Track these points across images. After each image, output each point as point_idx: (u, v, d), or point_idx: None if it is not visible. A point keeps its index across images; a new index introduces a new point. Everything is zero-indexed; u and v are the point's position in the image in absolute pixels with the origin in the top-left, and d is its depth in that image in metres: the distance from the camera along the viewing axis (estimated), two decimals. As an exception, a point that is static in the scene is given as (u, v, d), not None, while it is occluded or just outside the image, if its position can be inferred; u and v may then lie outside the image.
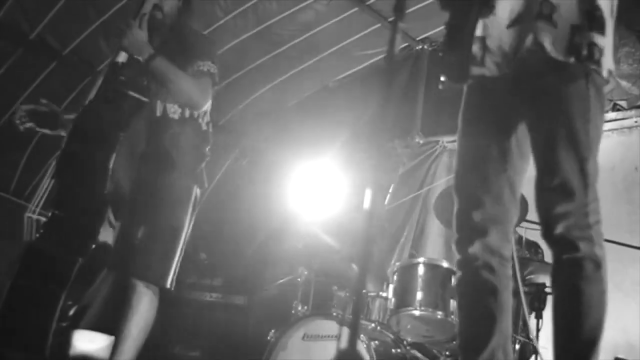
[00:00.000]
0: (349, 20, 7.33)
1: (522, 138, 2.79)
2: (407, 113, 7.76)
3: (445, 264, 4.88)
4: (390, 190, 6.60)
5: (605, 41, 2.63)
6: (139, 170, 3.85)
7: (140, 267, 3.79)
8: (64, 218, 3.39)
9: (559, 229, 2.61)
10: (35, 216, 3.57)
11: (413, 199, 7.50)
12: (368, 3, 7.14)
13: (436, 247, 7.10)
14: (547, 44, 2.58)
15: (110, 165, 3.48)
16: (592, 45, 2.59)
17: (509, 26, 2.67)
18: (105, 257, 3.63)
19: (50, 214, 3.46)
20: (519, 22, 2.65)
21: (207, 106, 4.08)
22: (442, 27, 7.77)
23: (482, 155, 2.79)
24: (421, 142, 7.72)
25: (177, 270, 3.91)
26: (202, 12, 6.34)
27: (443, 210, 5.32)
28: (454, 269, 4.81)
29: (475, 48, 2.73)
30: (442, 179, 7.39)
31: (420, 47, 7.99)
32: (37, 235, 3.39)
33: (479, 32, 2.72)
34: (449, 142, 7.57)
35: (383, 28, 7.30)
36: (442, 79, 2.85)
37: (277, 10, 7.05)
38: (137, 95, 3.63)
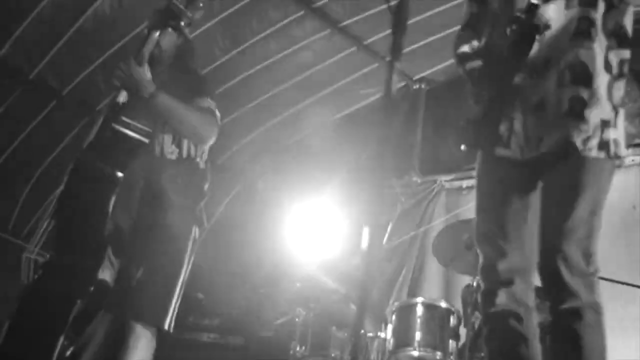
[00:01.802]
0: (347, 59, 7.39)
1: (534, 199, 2.82)
2: (404, 152, 7.78)
3: (443, 304, 4.86)
4: (388, 230, 6.60)
5: (619, 133, 2.68)
6: (138, 211, 3.84)
7: (138, 309, 3.75)
8: (63, 260, 3.38)
9: (561, 273, 2.62)
10: (33, 256, 3.56)
11: (411, 238, 7.48)
12: (366, 43, 7.20)
13: (434, 287, 7.06)
14: (580, 144, 2.60)
15: (110, 207, 3.47)
16: (617, 141, 2.63)
17: (536, 111, 2.67)
18: (104, 296, 3.61)
19: (49, 255, 3.45)
20: (545, 109, 2.65)
21: (205, 146, 4.08)
22: (439, 67, 7.78)
23: (503, 208, 2.81)
24: (419, 181, 7.73)
25: (176, 311, 3.88)
26: (201, 51, 6.39)
27: (441, 250, 5.32)
28: (453, 309, 4.83)
29: (503, 128, 2.73)
30: (441, 218, 7.38)
31: (418, 86, 8.04)
32: (36, 276, 3.38)
33: (508, 111, 2.72)
34: (447, 181, 7.58)
35: (381, 67, 7.35)
36: (462, 147, 2.85)
37: (275, 50, 7.11)
38: (136, 136, 3.63)
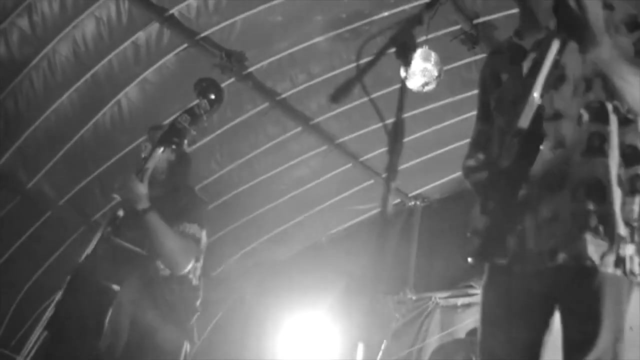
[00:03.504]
0: (342, 175, 7.46)
1: (549, 314, 2.78)
2: (399, 269, 7.76)
3: None
4: (383, 347, 6.52)
5: (636, 249, 2.67)
6: (130, 325, 3.80)
7: None
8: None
9: None
10: (24, 368, 3.50)
11: (405, 356, 7.38)
12: (362, 159, 7.29)
13: (429, 407, 6.92)
14: (597, 259, 2.58)
15: (107, 320, 3.44)
16: (632, 258, 2.63)
17: (548, 224, 2.68)
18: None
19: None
20: (559, 223, 2.66)
21: (198, 263, 4.08)
22: (434, 184, 7.83)
23: (512, 320, 2.76)
24: (414, 298, 7.68)
25: None
26: (198, 164, 6.45)
27: (436, 369, 5.24)
28: None
29: (513, 239, 2.73)
30: (435, 336, 7.31)
31: (413, 203, 8.10)
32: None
33: (516, 223, 2.71)
34: (442, 298, 7.53)
35: (376, 184, 7.42)
36: (469, 260, 2.83)
37: (272, 165, 7.18)
38: (134, 249, 3.63)
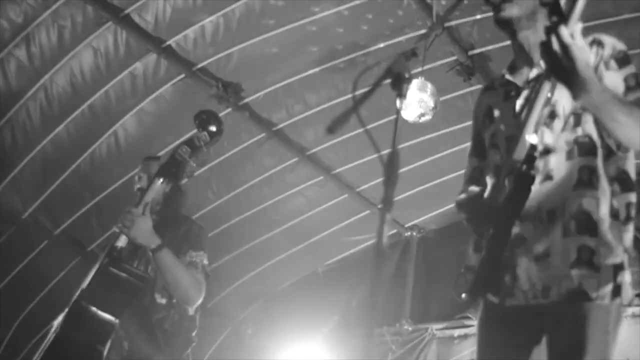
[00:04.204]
0: (339, 206, 7.46)
1: (542, 348, 2.76)
2: (396, 299, 7.73)
3: None
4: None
5: (628, 275, 2.67)
6: (127, 355, 3.78)
7: None
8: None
9: None
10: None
11: (402, 388, 7.35)
12: (358, 190, 7.29)
13: None
14: (592, 292, 2.56)
15: (105, 352, 3.42)
16: (627, 285, 2.62)
17: (540, 260, 2.68)
18: None
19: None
20: (551, 259, 2.64)
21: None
22: (430, 215, 7.84)
23: (506, 356, 2.75)
24: (410, 329, 7.65)
25: None
26: (194, 194, 6.44)
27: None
28: None
29: (506, 276, 2.73)
30: (432, 368, 7.27)
31: (409, 233, 8.10)
32: None
33: (509, 259, 2.70)
34: (438, 329, 7.50)
35: (372, 214, 7.42)
36: (463, 296, 2.82)
37: (268, 196, 7.18)
38: (132, 280, 3.61)
